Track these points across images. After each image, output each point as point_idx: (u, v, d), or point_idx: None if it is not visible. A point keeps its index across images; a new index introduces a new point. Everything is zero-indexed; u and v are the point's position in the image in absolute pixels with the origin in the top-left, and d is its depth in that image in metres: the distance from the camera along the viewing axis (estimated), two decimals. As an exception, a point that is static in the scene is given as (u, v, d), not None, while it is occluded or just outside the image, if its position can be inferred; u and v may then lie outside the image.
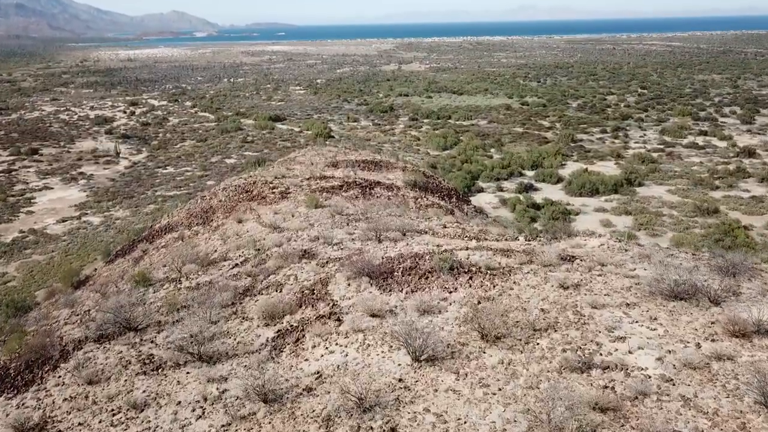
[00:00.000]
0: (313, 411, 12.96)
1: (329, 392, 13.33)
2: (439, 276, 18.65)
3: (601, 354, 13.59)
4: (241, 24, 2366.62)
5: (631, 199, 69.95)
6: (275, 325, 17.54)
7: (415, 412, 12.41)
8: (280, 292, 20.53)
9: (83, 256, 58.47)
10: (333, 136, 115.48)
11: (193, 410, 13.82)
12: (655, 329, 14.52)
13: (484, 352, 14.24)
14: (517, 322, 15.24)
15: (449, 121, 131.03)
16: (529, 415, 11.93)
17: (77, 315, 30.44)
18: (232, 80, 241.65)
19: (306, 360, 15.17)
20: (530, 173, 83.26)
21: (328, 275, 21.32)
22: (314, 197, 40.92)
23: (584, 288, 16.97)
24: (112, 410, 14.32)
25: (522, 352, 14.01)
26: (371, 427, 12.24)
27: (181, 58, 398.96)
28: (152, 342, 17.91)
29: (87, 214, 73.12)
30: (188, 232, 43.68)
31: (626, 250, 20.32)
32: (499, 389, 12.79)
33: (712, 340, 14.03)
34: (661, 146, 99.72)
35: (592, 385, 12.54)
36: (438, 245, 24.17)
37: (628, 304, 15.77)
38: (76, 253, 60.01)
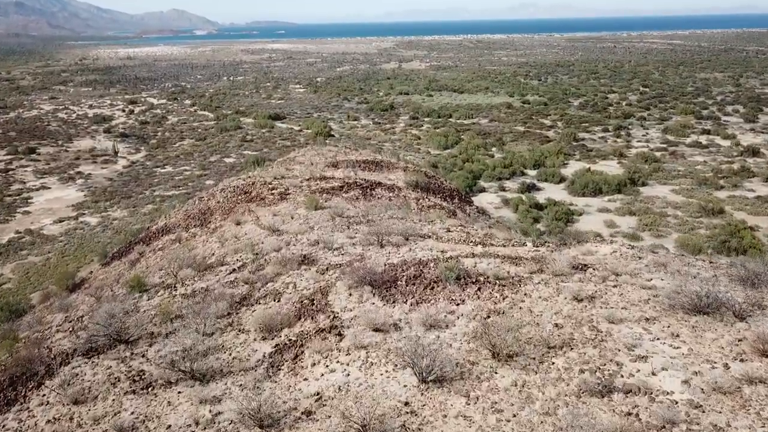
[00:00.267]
0: (313, 438, 12.05)
1: (330, 417, 12.39)
2: (445, 286, 17.70)
3: (622, 375, 12.63)
4: (241, 22, 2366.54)
5: (635, 199, 69.14)
6: (273, 338, 16.59)
7: (422, 442, 11.52)
8: (278, 301, 19.60)
9: (80, 258, 57.70)
10: (333, 135, 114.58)
11: (184, 436, 12.89)
12: (678, 347, 13.56)
13: (496, 372, 13.30)
14: (530, 338, 14.28)
15: (450, 119, 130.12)
16: (547, 445, 11.06)
17: (70, 321, 29.57)
18: (231, 78, 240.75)
19: (305, 379, 14.23)
20: (532, 173, 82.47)
21: (328, 284, 20.38)
22: (314, 198, 39.96)
23: (599, 300, 16.01)
24: (98, 434, 13.41)
25: (536, 373, 13.06)
26: (376, 459, 11.37)
27: (181, 57, 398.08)
28: (143, 356, 16.98)
29: (84, 214, 72.31)
30: (185, 234, 42.80)
31: (640, 258, 19.38)
32: (514, 415, 11.84)
33: (741, 360, 13.07)
34: (664, 145, 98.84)
35: (614, 411, 11.60)
36: (442, 251, 23.24)
37: (647, 319, 14.81)
38: (73, 255, 59.25)
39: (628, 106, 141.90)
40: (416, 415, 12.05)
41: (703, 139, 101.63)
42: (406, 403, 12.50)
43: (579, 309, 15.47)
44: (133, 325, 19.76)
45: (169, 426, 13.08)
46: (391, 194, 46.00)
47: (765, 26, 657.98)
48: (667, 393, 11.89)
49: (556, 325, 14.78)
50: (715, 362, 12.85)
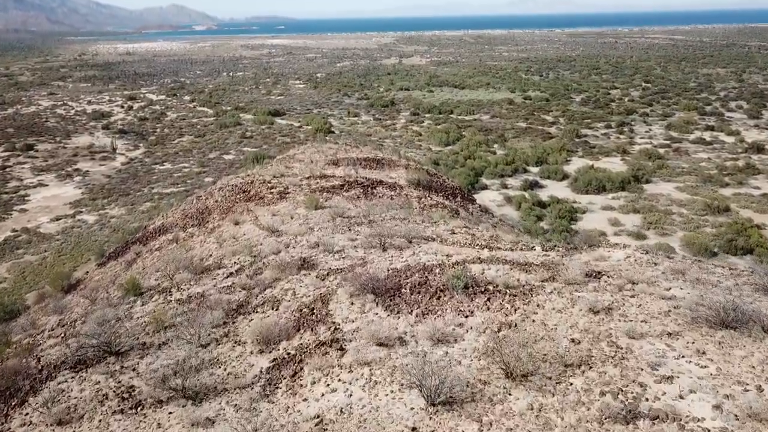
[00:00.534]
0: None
1: (332, 443, 11.48)
2: (452, 295, 16.73)
3: (647, 399, 11.66)
4: (241, 17, 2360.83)
5: (639, 196, 68.21)
6: (270, 352, 15.63)
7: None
8: (277, 310, 18.66)
9: (76, 257, 56.89)
10: (333, 132, 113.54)
11: (174, 464, 11.96)
12: (705, 366, 12.58)
13: (510, 394, 12.33)
14: (545, 355, 13.29)
15: (451, 115, 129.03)
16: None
17: (63, 326, 28.74)
18: (231, 74, 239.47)
19: (304, 400, 13.26)
20: (535, 170, 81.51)
21: (329, 291, 19.44)
22: (314, 198, 39.08)
23: (617, 312, 15.03)
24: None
25: (554, 395, 12.09)
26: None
27: (180, 52, 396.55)
28: (134, 370, 16.03)
29: (82, 212, 71.41)
30: (183, 234, 41.94)
31: (656, 264, 18.41)
32: (531, 445, 10.92)
33: (776, 382, 12.12)
34: (668, 142, 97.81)
35: (642, 441, 10.67)
36: (447, 255, 22.32)
37: (669, 334, 13.82)
38: (70, 254, 58.42)
39: (631, 102, 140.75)
40: (425, 441, 11.12)
41: (707, 136, 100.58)
42: (414, 429, 11.53)
43: (596, 322, 14.50)
44: (125, 334, 18.88)
45: (159, 452, 12.18)
46: (392, 193, 45.11)
47: (767, 21, 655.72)
48: (698, 420, 10.93)
49: (573, 340, 13.81)
50: (747, 384, 11.91)
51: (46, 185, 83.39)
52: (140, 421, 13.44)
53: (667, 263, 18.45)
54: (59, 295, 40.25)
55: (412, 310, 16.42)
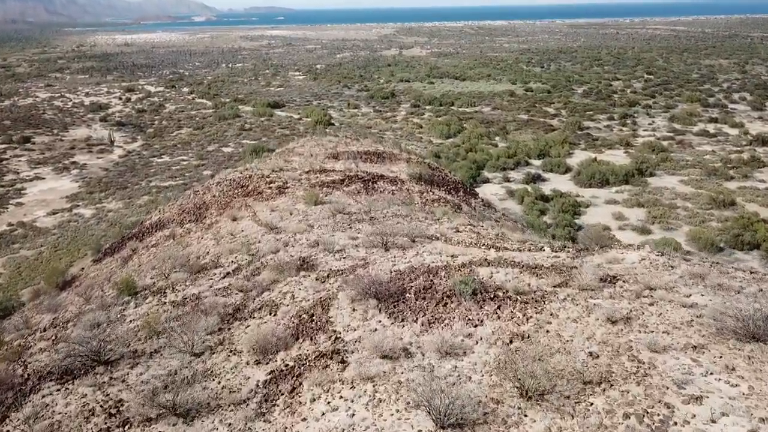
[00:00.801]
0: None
1: (333, 472, 10.57)
2: (460, 302, 15.79)
3: (675, 422, 10.70)
4: (240, 8, 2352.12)
5: (643, 190, 67.37)
6: (267, 363, 14.70)
7: None
8: (275, 315, 17.74)
9: (73, 252, 56.13)
10: (333, 124, 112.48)
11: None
12: (737, 385, 11.63)
13: (525, 415, 11.41)
14: (561, 370, 12.34)
15: (452, 107, 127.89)
16: None
17: (55, 326, 27.88)
18: (230, 66, 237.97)
19: (303, 419, 12.32)
20: (537, 162, 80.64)
21: (329, 294, 18.52)
22: (314, 193, 38.15)
23: (636, 322, 14.07)
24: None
25: (573, 417, 11.15)
26: None
27: (179, 43, 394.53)
28: (123, 381, 15.11)
29: (78, 206, 70.62)
30: (180, 230, 41.07)
31: (672, 267, 17.48)
32: (552, 476, 10.00)
33: (814, 403, 11.20)
34: (671, 134, 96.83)
35: (674, 472, 9.75)
36: (452, 255, 21.40)
37: (694, 347, 12.86)
38: (66, 248, 57.69)
39: (633, 93, 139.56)
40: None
41: (711, 128, 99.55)
42: (422, 455, 10.67)
43: (614, 333, 13.56)
44: (116, 340, 18.01)
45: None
46: (394, 188, 44.21)
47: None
48: (734, 448, 10.07)
49: (591, 353, 12.87)
50: (784, 405, 11.02)
51: (43, 178, 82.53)
52: (127, 441, 12.58)
53: (684, 266, 17.51)
54: (54, 292, 39.59)
55: (417, 318, 15.48)
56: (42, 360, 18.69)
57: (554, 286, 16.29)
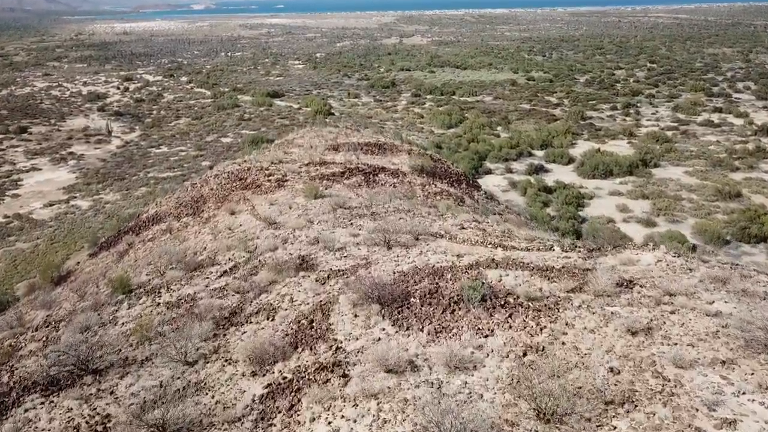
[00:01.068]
0: None
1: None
2: (468, 309, 14.93)
3: (708, 451, 9.90)
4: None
5: (647, 181, 66.37)
6: (264, 375, 13.86)
7: None
8: (273, 320, 16.90)
9: (69, 245, 55.30)
10: (333, 114, 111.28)
11: None
12: (773, 407, 10.79)
13: (542, 440, 10.60)
14: (580, 388, 11.47)
15: (453, 97, 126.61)
16: None
17: (48, 325, 27.09)
18: (229, 54, 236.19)
19: (303, 440, 11.56)
20: (540, 153, 79.58)
21: (330, 298, 17.67)
22: (314, 186, 37.26)
23: (658, 333, 13.18)
24: None
25: (594, 442, 10.35)
26: None
27: (178, 32, 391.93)
28: (111, 393, 14.28)
29: (75, 197, 69.64)
30: (177, 223, 40.24)
31: (690, 270, 16.61)
32: None
33: None
34: (675, 124, 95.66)
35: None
36: (458, 255, 20.54)
37: (723, 362, 11.97)
38: (62, 241, 56.82)
39: (636, 82, 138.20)
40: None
41: (715, 118, 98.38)
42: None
43: (635, 346, 12.68)
44: (106, 348, 17.17)
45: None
46: (395, 180, 43.35)
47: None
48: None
49: (611, 369, 12.01)
50: (823, 430, 10.18)
51: (40, 169, 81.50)
52: (114, 462, 11.80)
53: (703, 269, 16.63)
54: (49, 288, 38.87)
55: (423, 327, 14.62)
56: (29, 366, 17.89)
57: (568, 292, 15.43)
